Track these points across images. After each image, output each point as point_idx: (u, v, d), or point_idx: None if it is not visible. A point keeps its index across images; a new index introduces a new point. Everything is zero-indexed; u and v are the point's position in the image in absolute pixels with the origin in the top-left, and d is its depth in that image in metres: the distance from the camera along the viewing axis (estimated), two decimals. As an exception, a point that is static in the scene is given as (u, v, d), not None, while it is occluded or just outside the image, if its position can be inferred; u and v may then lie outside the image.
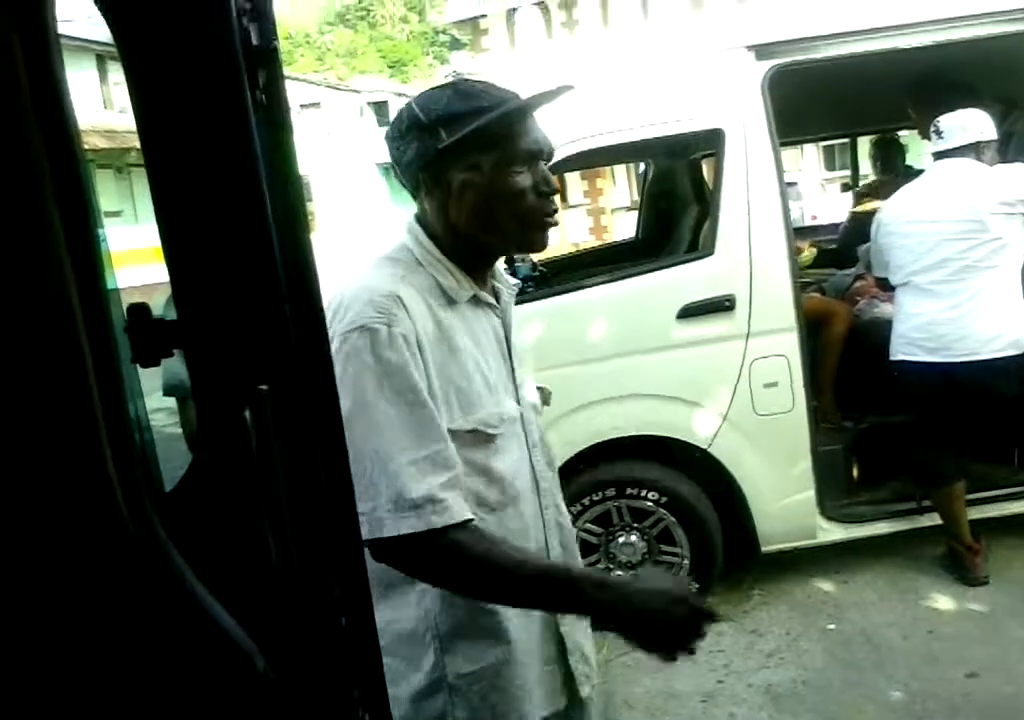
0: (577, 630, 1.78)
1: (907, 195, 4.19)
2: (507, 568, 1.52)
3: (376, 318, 1.51)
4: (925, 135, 5.27)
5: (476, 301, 1.67)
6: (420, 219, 1.69)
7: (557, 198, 1.69)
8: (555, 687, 1.77)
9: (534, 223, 1.64)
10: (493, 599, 1.60)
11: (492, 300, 1.70)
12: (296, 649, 0.80)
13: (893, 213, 4.20)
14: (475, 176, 1.59)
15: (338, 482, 0.86)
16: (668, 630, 1.50)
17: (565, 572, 1.58)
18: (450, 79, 1.69)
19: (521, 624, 1.67)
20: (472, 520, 1.53)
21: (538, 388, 1.84)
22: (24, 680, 0.68)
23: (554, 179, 1.66)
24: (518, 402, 1.71)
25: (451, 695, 1.66)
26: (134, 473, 0.68)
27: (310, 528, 0.81)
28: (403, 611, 1.64)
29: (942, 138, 4.11)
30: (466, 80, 1.65)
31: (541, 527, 1.73)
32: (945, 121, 4.12)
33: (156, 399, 3.63)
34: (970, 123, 4.07)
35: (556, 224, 1.67)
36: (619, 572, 4.09)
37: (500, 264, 1.80)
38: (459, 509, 1.51)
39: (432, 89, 1.66)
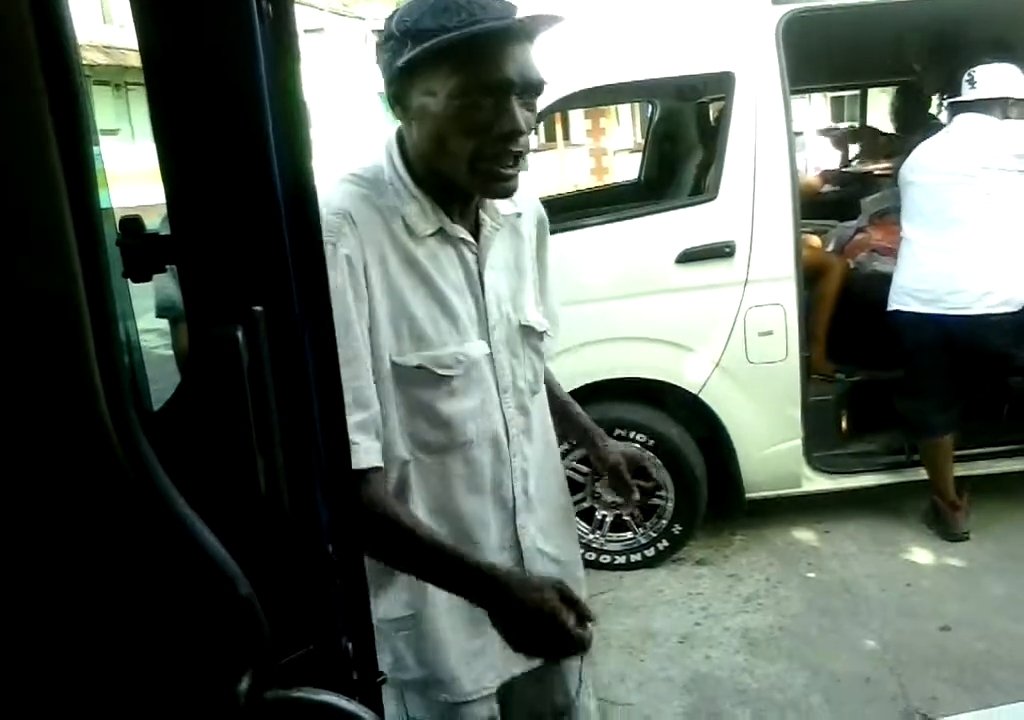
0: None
1: (923, 148, 4.15)
2: (407, 528, 1.46)
3: (324, 237, 1.42)
4: (932, 90, 5.20)
5: (445, 235, 1.55)
6: (400, 135, 1.57)
7: (529, 140, 1.50)
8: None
9: (486, 168, 1.46)
10: (385, 557, 1.51)
11: (466, 235, 1.57)
12: (282, 575, 0.80)
13: (908, 165, 4.18)
14: (430, 102, 1.43)
15: (329, 407, 0.85)
16: (539, 644, 1.46)
17: (459, 554, 1.49)
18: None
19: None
20: (380, 468, 1.47)
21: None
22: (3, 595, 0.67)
23: (524, 117, 1.44)
24: (489, 344, 1.61)
25: (377, 638, 1.64)
26: (121, 389, 0.66)
27: (300, 452, 0.80)
28: None
29: (974, 88, 4.02)
30: None
31: (508, 473, 1.67)
32: (982, 71, 4.02)
33: (148, 320, 3.62)
34: (1006, 77, 3.99)
35: (514, 173, 1.48)
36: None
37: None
38: (366, 455, 1.45)
39: None
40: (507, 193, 1.53)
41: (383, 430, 1.51)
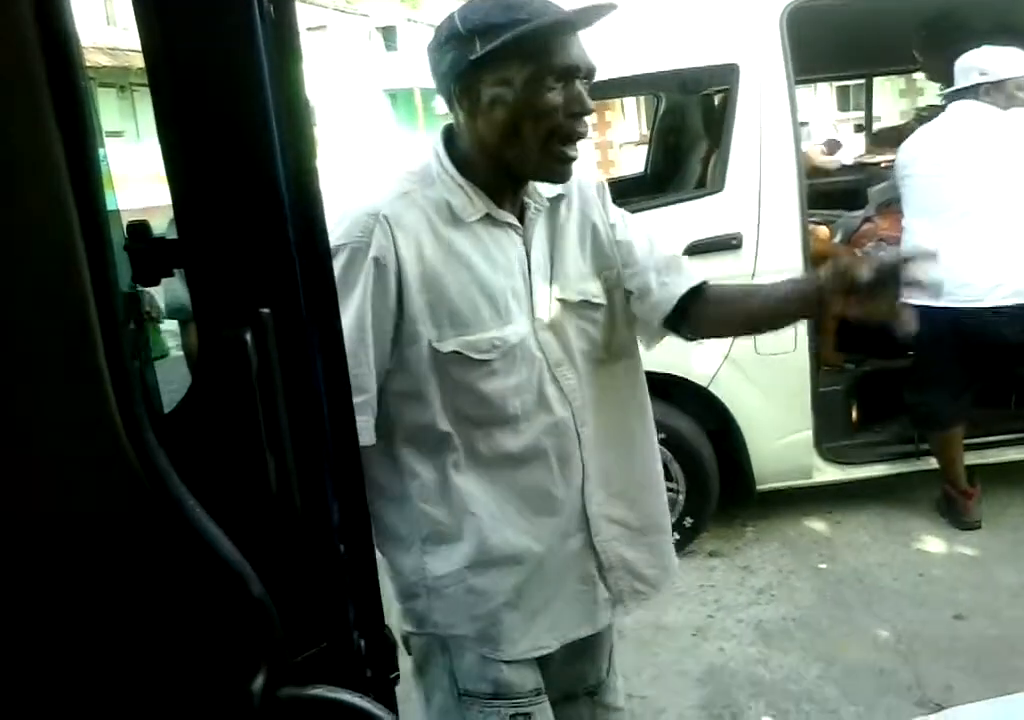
0: (620, 543, 1.79)
1: (921, 138, 4.13)
2: None
3: (357, 237, 1.55)
4: (932, 78, 5.18)
5: (492, 220, 1.64)
6: (448, 132, 1.68)
7: (589, 120, 1.65)
8: (595, 605, 1.79)
9: (556, 149, 1.58)
10: None
11: (512, 219, 1.66)
12: (294, 573, 0.80)
13: (908, 156, 4.15)
14: (506, 91, 1.55)
15: (339, 408, 0.85)
16: None
17: None
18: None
19: (498, 526, 1.68)
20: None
21: None
22: (18, 597, 0.67)
23: (589, 100, 1.59)
24: (532, 322, 1.67)
25: (429, 598, 1.70)
26: (132, 393, 0.66)
27: (310, 452, 0.80)
28: (400, 515, 1.69)
29: (956, 80, 4.03)
30: None
31: (574, 442, 1.72)
32: (956, 63, 4.04)
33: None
34: (971, 64, 3.99)
35: (576, 156, 1.62)
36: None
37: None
38: (367, 434, 1.58)
39: None
40: (565, 177, 1.66)
41: (426, 405, 1.63)
